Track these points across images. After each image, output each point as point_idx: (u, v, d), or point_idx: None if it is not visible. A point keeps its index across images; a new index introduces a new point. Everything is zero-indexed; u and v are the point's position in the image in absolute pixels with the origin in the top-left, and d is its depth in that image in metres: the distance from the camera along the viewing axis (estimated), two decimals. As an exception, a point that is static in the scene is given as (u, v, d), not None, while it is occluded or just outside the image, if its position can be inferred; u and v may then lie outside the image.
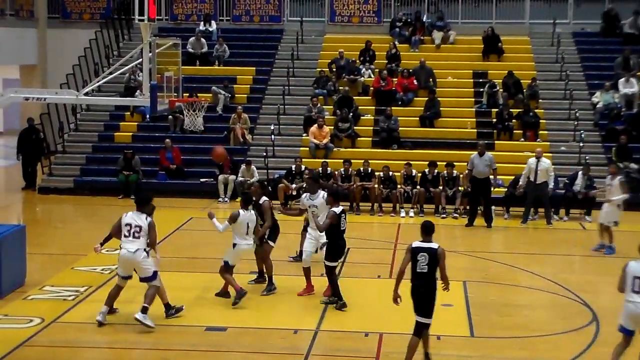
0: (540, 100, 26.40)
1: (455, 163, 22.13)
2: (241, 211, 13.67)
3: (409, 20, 29.92)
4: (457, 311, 13.53)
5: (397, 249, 18.16)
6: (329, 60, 27.97)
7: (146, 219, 12.44)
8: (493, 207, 21.20)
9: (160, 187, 23.54)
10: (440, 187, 21.91)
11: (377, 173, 22.29)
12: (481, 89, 26.76)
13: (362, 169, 22.34)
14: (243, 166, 23.19)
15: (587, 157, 23.67)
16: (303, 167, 22.34)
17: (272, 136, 24.95)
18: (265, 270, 14.52)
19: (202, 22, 29.89)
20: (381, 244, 19.04)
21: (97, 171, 24.92)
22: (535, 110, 25.54)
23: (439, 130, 25.64)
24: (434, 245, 10.86)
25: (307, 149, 24.50)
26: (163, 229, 19.25)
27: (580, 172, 21.91)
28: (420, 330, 10.94)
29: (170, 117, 25.49)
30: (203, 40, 28.79)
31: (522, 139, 24.81)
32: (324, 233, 13.66)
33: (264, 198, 14.40)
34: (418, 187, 22.01)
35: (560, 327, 13.08)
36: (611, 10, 29.32)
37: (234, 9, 31.02)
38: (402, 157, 23.53)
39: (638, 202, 21.28)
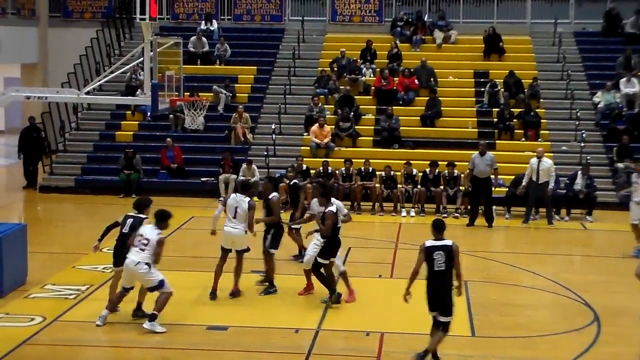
0: (541, 100, 26.40)
1: (456, 163, 22.14)
2: (232, 194, 14.01)
3: (410, 19, 29.93)
4: (458, 311, 13.39)
5: (398, 249, 18.19)
6: (330, 60, 27.98)
7: (157, 234, 12.37)
8: (494, 207, 21.19)
9: (161, 186, 23.61)
10: (441, 187, 21.91)
11: (378, 172, 22.29)
12: (482, 89, 26.75)
13: (363, 168, 22.34)
14: (244, 165, 23.19)
15: (588, 157, 23.65)
16: (304, 166, 22.35)
17: (273, 135, 24.95)
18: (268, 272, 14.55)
19: (203, 21, 29.89)
20: (382, 243, 19.05)
21: (98, 170, 24.94)
22: (537, 110, 25.54)
23: (440, 130, 25.63)
24: (448, 242, 10.97)
25: (308, 148, 24.51)
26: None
27: (579, 172, 21.91)
28: (447, 327, 11.01)
29: (171, 116, 25.50)
30: (204, 39, 28.79)
31: (523, 139, 24.80)
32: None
33: (274, 194, 14.47)
34: (419, 186, 22.01)
35: (562, 327, 13.08)
36: (612, 10, 29.30)
37: (235, 8, 31.03)
38: (403, 156, 23.52)
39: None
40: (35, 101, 17.19)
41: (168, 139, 24.55)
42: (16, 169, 25.68)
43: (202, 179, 24.15)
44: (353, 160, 22.64)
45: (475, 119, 25.95)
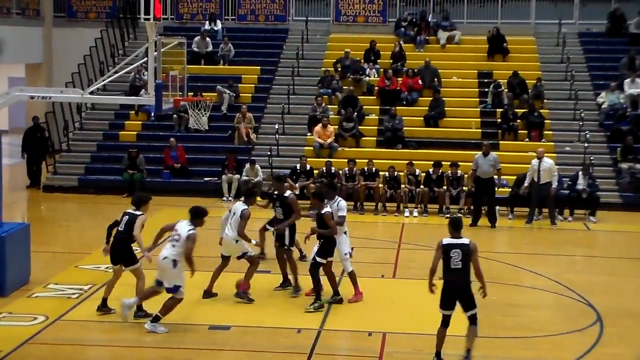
0: (545, 101, 26.39)
1: (459, 163, 22.12)
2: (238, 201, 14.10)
3: (414, 20, 29.94)
4: (460, 311, 13.50)
5: (401, 249, 18.19)
6: (334, 60, 27.99)
7: (189, 230, 12.32)
8: (497, 207, 21.18)
9: (165, 186, 23.65)
10: (445, 187, 21.91)
11: (381, 173, 22.29)
12: (486, 89, 26.75)
13: (366, 168, 22.35)
14: (247, 165, 23.20)
15: (592, 158, 23.63)
16: (308, 166, 22.36)
17: (277, 135, 24.96)
18: (289, 272, 14.38)
19: (207, 22, 29.93)
20: (385, 243, 19.05)
21: (102, 170, 24.98)
22: (540, 111, 25.53)
23: (444, 130, 25.63)
24: (465, 240, 10.99)
25: (312, 148, 24.51)
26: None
27: (580, 172, 21.90)
28: (474, 319, 11.03)
29: (175, 116, 25.54)
30: (208, 39, 28.82)
31: (527, 139, 24.78)
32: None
33: (290, 192, 14.44)
34: (422, 186, 22.01)
35: (564, 327, 13.07)
36: (617, 11, 29.29)
37: (239, 9, 31.06)
38: (407, 156, 23.50)
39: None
40: (39, 101, 17.19)
41: (171, 139, 24.57)
42: (20, 169, 25.71)
43: (206, 179, 24.17)
44: (356, 160, 22.64)
45: (479, 120, 25.96)
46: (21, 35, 29.25)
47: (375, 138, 25.38)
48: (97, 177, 24.63)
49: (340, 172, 22.34)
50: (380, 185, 22.19)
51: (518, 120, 25.15)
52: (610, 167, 23.97)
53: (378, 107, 26.56)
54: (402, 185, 22.15)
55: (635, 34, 28.50)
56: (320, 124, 24.64)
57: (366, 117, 26.07)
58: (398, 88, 26.70)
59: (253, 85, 28.12)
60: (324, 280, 13.72)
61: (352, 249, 14.15)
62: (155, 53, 13.55)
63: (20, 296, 13.92)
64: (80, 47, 28.76)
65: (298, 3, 31.13)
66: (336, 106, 26.10)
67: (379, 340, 12.21)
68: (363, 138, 25.25)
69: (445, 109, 25.97)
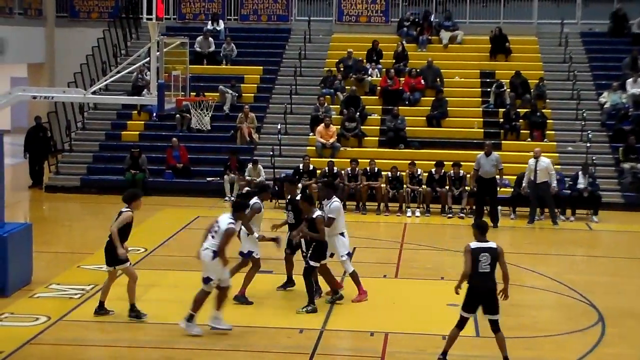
0: (547, 100, 26.36)
1: (462, 163, 22.10)
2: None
3: (416, 20, 29.91)
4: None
5: (403, 249, 18.18)
6: (337, 60, 27.99)
7: (228, 223, 12.17)
8: (499, 207, 21.17)
9: (167, 186, 23.67)
10: (447, 187, 21.90)
11: (384, 173, 22.29)
12: (488, 89, 26.73)
13: (368, 168, 22.34)
14: (250, 165, 23.20)
15: (594, 157, 23.61)
16: (311, 166, 22.37)
17: (279, 135, 24.96)
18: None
19: (209, 21, 29.92)
20: (387, 243, 19.03)
21: (104, 170, 24.98)
22: (543, 110, 25.52)
23: (446, 130, 25.62)
24: (492, 244, 11.08)
25: (314, 148, 24.51)
26: (170, 227, 19.43)
27: (580, 172, 21.90)
28: (497, 325, 11.07)
29: (177, 116, 25.54)
30: (211, 39, 28.81)
31: (529, 139, 24.75)
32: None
33: (300, 195, 14.35)
34: (424, 186, 22.00)
35: (566, 327, 13.06)
36: (619, 10, 29.26)
37: (242, 8, 31.04)
38: (409, 156, 23.48)
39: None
40: (42, 101, 17.19)
41: (174, 139, 24.56)
42: (22, 168, 25.71)
43: (208, 179, 24.16)
44: (359, 160, 22.63)
45: (481, 119, 25.94)
46: (24, 35, 29.27)
47: (377, 138, 25.37)
48: (100, 177, 24.62)
49: (343, 172, 22.33)
50: (383, 185, 22.18)
51: (520, 120, 25.14)
52: (613, 167, 23.95)
53: (380, 107, 26.55)
54: (405, 185, 22.14)
55: (638, 34, 28.46)
56: (322, 124, 24.64)
57: (368, 117, 26.07)
58: (400, 88, 26.69)
59: (255, 85, 28.13)
60: (322, 280, 13.74)
61: (353, 249, 14.12)
62: (158, 53, 13.55)
63: (22, 296, 13.93)
64: (82, 47, 28.76)
65: (300, 3, 31.13)
66: (338, 106, 26.10)
67: (381, 340, 12.21)
68: (365, 138, 25.24)
69: (448, 108, 25.96)
